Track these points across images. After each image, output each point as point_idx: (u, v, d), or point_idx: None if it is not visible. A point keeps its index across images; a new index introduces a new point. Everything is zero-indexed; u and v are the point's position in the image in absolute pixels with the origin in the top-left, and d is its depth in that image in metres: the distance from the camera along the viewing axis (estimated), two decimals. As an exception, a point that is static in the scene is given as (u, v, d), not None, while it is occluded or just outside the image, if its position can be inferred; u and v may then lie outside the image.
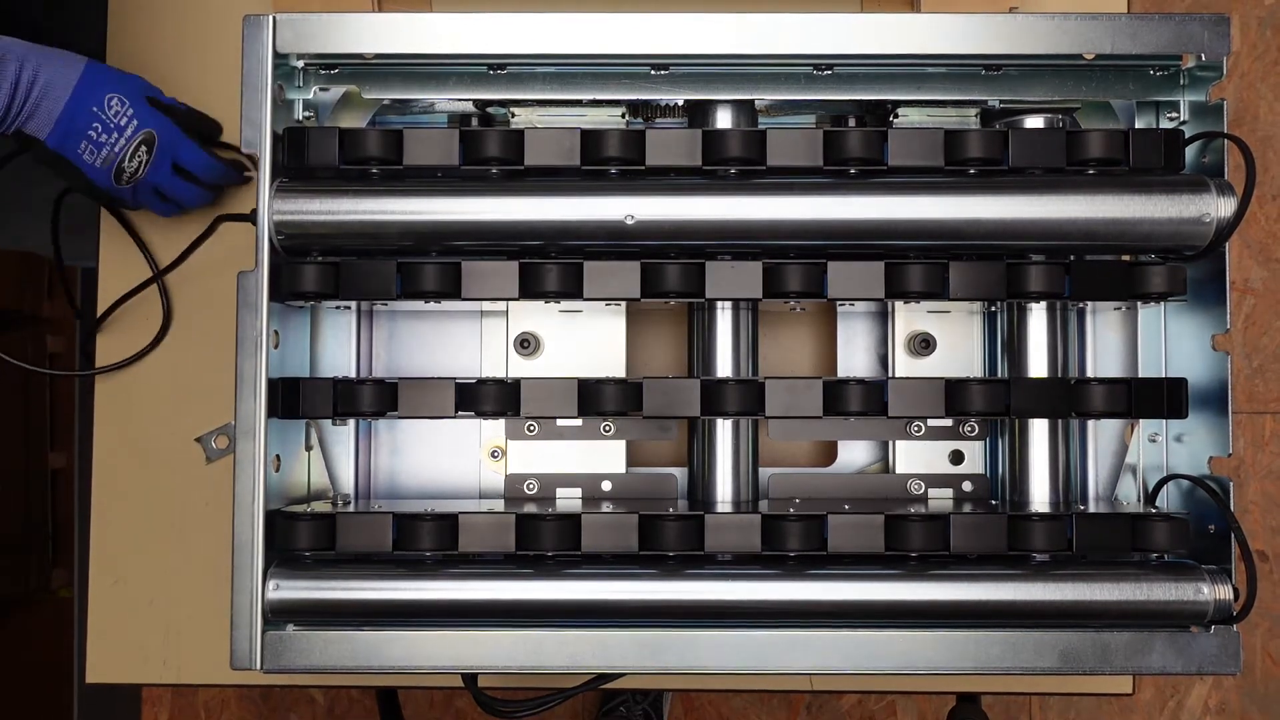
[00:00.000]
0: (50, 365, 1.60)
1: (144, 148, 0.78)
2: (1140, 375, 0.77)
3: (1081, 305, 0.77)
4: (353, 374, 0.78)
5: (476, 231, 0.70)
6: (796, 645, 0.67)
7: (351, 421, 0.78)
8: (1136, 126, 0.75)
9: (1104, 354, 0.78)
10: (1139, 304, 0.77)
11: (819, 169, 0.69)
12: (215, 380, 0.83)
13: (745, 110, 0.74)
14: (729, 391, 0.70)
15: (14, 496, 1.63)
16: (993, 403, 0.70)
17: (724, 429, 0.75)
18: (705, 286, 0.69)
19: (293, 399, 0.70)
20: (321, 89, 0.74)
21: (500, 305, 0.79)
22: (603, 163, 0.69)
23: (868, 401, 0.70)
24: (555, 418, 0.77)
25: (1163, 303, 0.75)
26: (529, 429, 0.79)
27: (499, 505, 0.76)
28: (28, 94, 0.75)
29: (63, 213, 0.86)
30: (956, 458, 0.79)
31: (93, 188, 0.80)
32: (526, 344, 0.79)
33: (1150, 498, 0.75)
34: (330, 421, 0.77)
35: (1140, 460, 0.77)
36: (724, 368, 0.74)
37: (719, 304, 0.74)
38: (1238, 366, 1.72)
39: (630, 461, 0.80)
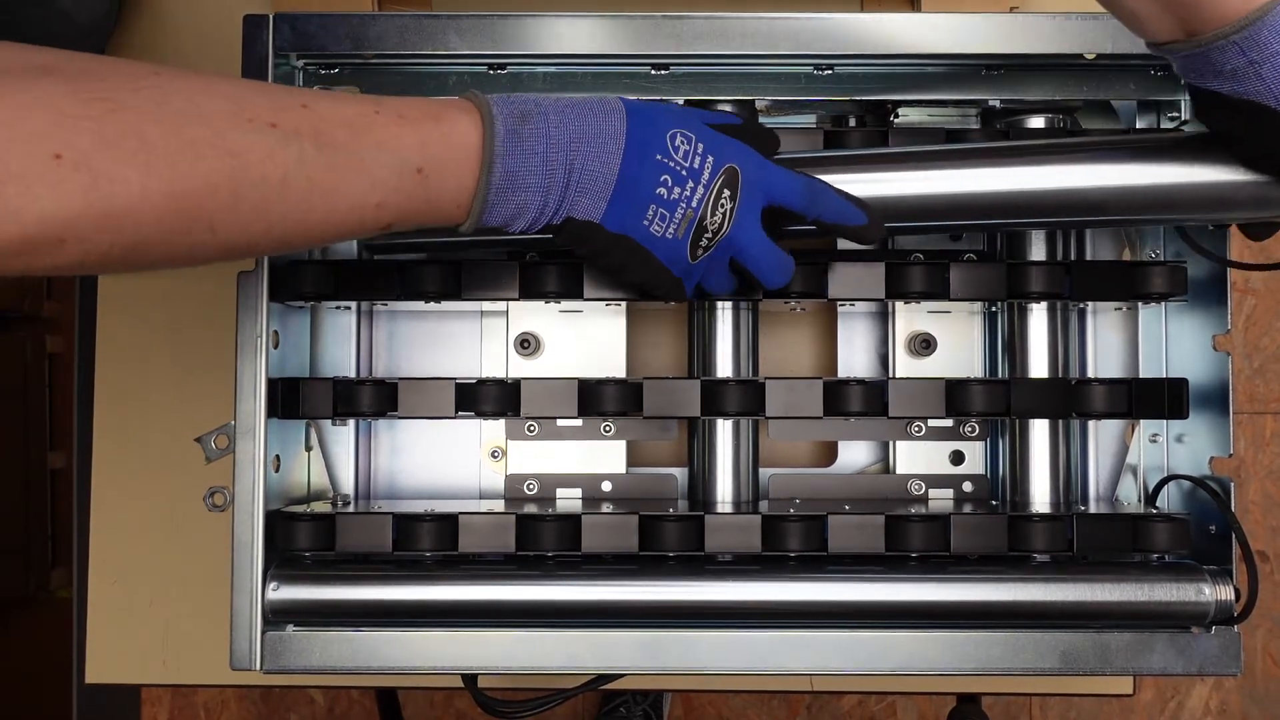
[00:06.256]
0: (50, 365, 1.60)
1: (726, 192, 0.59)
2: (1141, 375, 0.77)
3: (1082, 305, 0.77)
4: (353, 374, 0.78)
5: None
6: (796, 645, 0.67)
7: (351, 421, 0.78)
8: (1138, 126, 0.75)
9: (1104, 354, 0.78)
10: (1139, 304, 0.77)
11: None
12: (215, 380, 0.83)
13: (746, 110, 0.74)
14: (729, 391, 0.70)
15: (14, 496, 1.63)
16: (993, 403, 0.70)
17: (724, 429, 0.75)
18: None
19: (293, 399, 0.70)
20: (321, 89, 0.74)
21: (500, 305, 0.79)
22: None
23: (868, 401, 0.70)
24: (555, 418, 0.77)
25: (1163, 303, 0.75)
26: (529, 429, 0.79)
27: (499, 505, 0.76)
28: (568, 165, 0.57)
29: None
30: (957, 458, 0.79)
31: (664, 276, 0.61)
32: (526, 344, 0.79)
33: (1151, 498, 0.75)
34: (330, 421, 0.77)
35: (1141, 460, 0.77)
36: (724, 368, 0.74)
37: (719, 304, 0.74)
38: (1238, 366, 1.72)
39: (630, 461, 0.80)
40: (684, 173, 0.58)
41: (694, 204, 0.59)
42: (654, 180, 0.58)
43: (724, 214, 0.59)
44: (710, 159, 0.59)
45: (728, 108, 0.73)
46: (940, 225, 0.70)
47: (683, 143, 0.59)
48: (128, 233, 0.49)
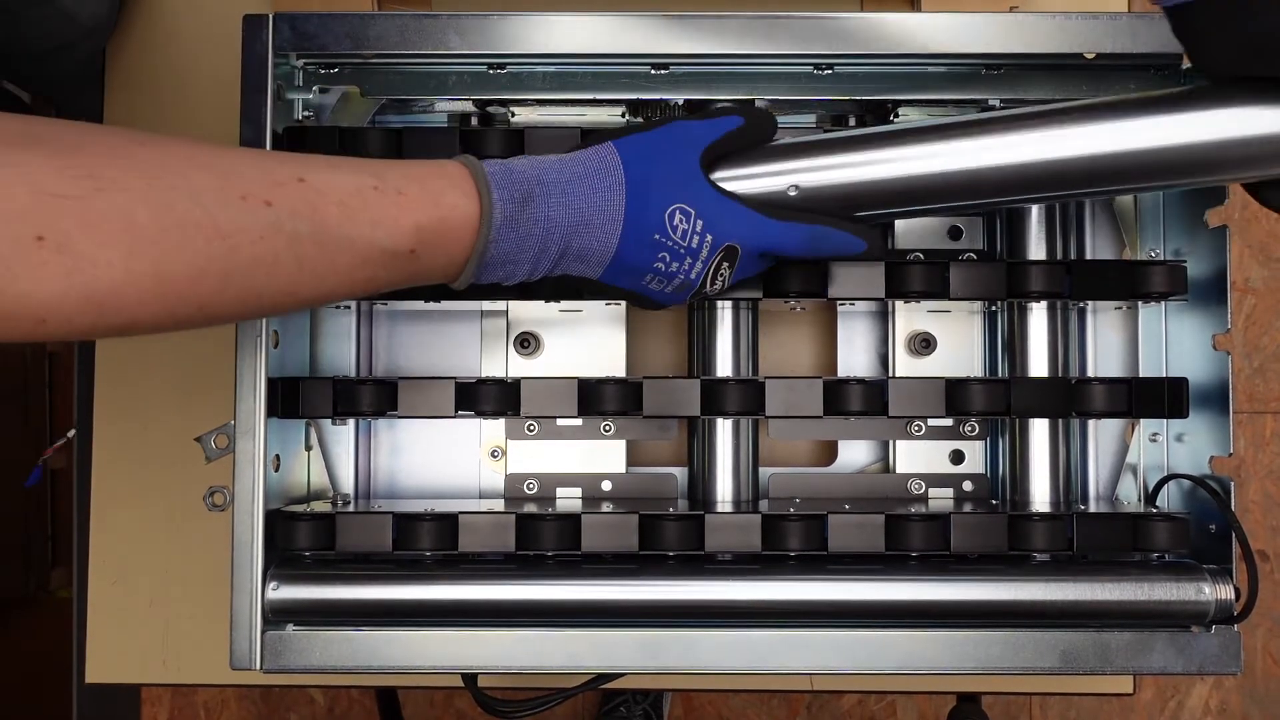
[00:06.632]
0: (49, 365, 1.60)
1: (725, 265, 0.61)
2: (1141, 375, 0.77)
3: (1082, 305, 0.77)
4: (353, 374, 0.78)
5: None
6: (796, 645, 0.67)
7: (351, 421, 0.78)
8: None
9: (1104, 354, 0.78)
10: (1139, 303, 0.77)
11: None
12: (215, 380, 0.83)
13: (742, 104, 0.74)
14: (729, 391, 0.70)
15: (14, 496, 1.64)
16: (993, 403, 0.70)
17: (724, 429, 0.75)
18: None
19: (292, 399, 0.70)
20: (321, 89, 0.74)
21: (500, 305, 0.79)
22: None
23: (868, 401, 0.70)
24: (555, 417, 0.77)
25: (1163, 302, 0.75)
26: (529, 429, 0.79)
27: (499, 505, 0.76)
28: (563, 247, 0.58)
29: None
30: (957, 457, 0.79)
31: (661, 306, 0.65)
32: (526, 344, 0.79)
33: (1151, 497, 0.75)
34: (330, 421, 0.77)
35: (1141, 460, 0.77)
36: (724, 367, 0.74)
37: (719, 304, 0.74)
38: (1238, 366, 1.72)
39: (630, 461, 0.80)
40: (682, 251, 0.59)
41: (691, 276, 0.61)
42: (651, 257, 0.59)
43: (724, 279, 0.62)
44: (709, 238, 0.59)
45: (726, 102, 0.73)
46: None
47: (681, 221, 0.59)
48: (110, 314, 0.48)
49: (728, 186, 0.62)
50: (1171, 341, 0.76)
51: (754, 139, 0.63)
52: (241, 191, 0.51)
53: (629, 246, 0.59)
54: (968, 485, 0.79)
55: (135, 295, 0.48)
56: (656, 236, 0.59)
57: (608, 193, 0.58)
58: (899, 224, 0.78)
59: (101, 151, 0.48)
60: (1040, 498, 0.74)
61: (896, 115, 0.75)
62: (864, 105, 0.75)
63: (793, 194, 0.63)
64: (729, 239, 0.60)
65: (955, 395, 0.70)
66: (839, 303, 0.80)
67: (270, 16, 0.69)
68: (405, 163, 0.58)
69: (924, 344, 0.79)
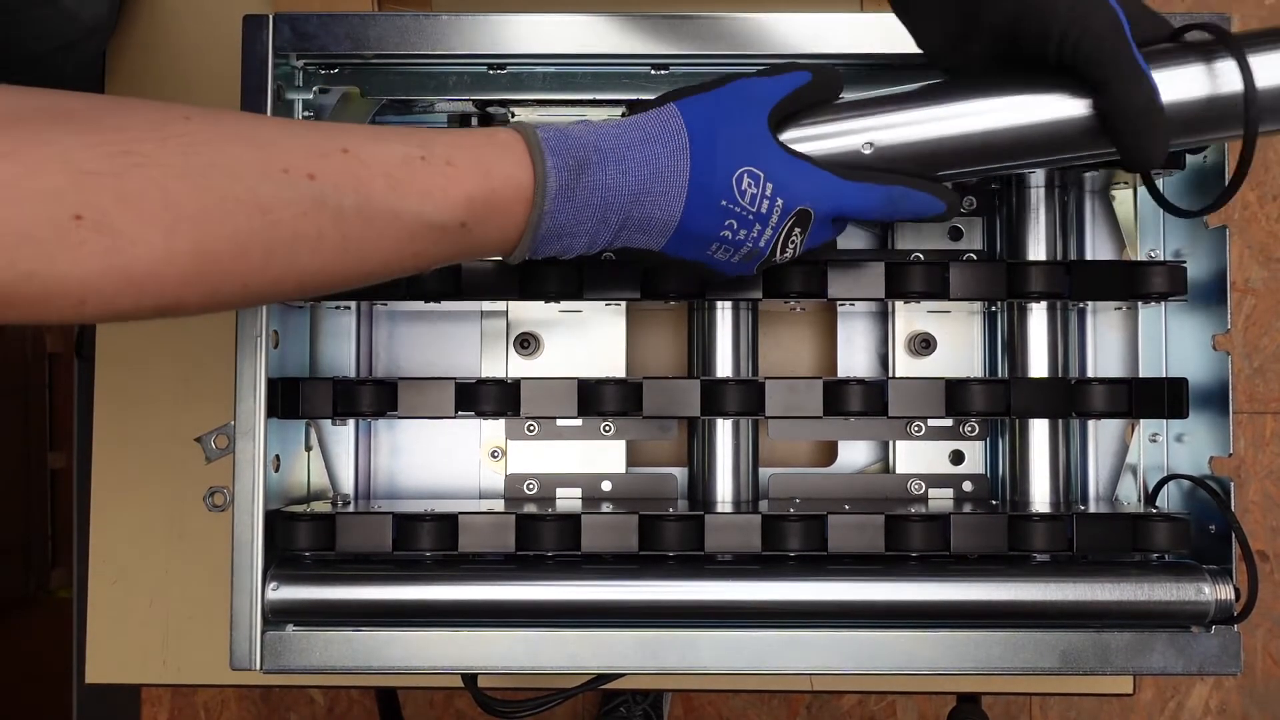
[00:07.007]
0: (50, 365, 1.60)
1: (797, 230, 0.57)
2: (1141, 375, 0.77)
3: (1082, 305, 0.77)
4: (353, 374, 0.78)
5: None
6: (796, 645, 0.67)
7: (351, 421, 0.78)
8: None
9: (1104, 354, 0.78)
10: (1139, 304, 0.77)
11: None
12: (215, 380, 0.83)
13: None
14: (729, 391, 0.70)
15: (14, 496, 1.64)
16: (993, 403, 0.70)
17: (724, 429, 0.75)
18: (705, 286, 0.69)
19: (292, 399, 0.70)
20: (321, 90, 0.74)
21: (500, 305, 0.79)
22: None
23: (868, 401, 0.70)
24: (555, 418, 0.77)
25: (1163, 302, 0.75)
26: (529, 429, 0.79)
27: (499, 505, 0.76)
28: (624, 217, 0.55)
29: None
30: (957, 458, 0.79)
31: (729, 278, 0.61)
32: (526, 344, 0.79)
33: (1151, 498, 0.75)
34: (330, 421, 0.77)
35: (1141, 460, 0.77)
36: (724, 368, 0.74)
37: (719, 304, 0.74)
38: (1238, 366, 1.72)
39: (630, 461, 0.80)
40: (751, 217, 0.56)
41: (761, 244, 0.57)
42: (718, 225, 0.56)
43: (794, 246, 0.58)
44: (780, 202, 0.56)
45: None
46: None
47: (750, 185, 0.55)
48: (151, 295, 0.46)
49: (798, 147, 0.58)
50: (1171, 342, 0.76)
51: (822, 96, 0.59)
52: (283, 164, 0.48)
53: (694, 214, 0.55)
54: (968, 486, 0.79)
55: (177, 274, 0.46)
56: (724, 203, 0.55)
57: (670, 158, 0.55)
58: (898, 223, 0.78)
59: (137, 125, 0.46)
60: (1040, 498, 0.74)
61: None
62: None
63: (867, 152, 0.59)
64: (801, 202, 0.56)
65: (955, 395, 0.70)
66: (839, 303, 0.80)
67: (270, 17, 0.69)
68: (454, 131, 0.55)
69: (924, 344, 0.79)
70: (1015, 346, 0.74)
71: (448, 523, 0.68)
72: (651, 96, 0.72)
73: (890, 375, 0.79)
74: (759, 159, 0.56)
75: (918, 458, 0.79)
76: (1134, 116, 0.56)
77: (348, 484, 0.78)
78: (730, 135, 0.56)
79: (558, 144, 0.54)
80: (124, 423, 0.85)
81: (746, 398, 0.70)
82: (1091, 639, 0.67)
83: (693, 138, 0.55)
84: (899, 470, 0.79)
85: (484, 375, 0.79)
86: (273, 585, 0.67)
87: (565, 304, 0.79)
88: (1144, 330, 0.77)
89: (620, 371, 0.79)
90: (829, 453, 0.82)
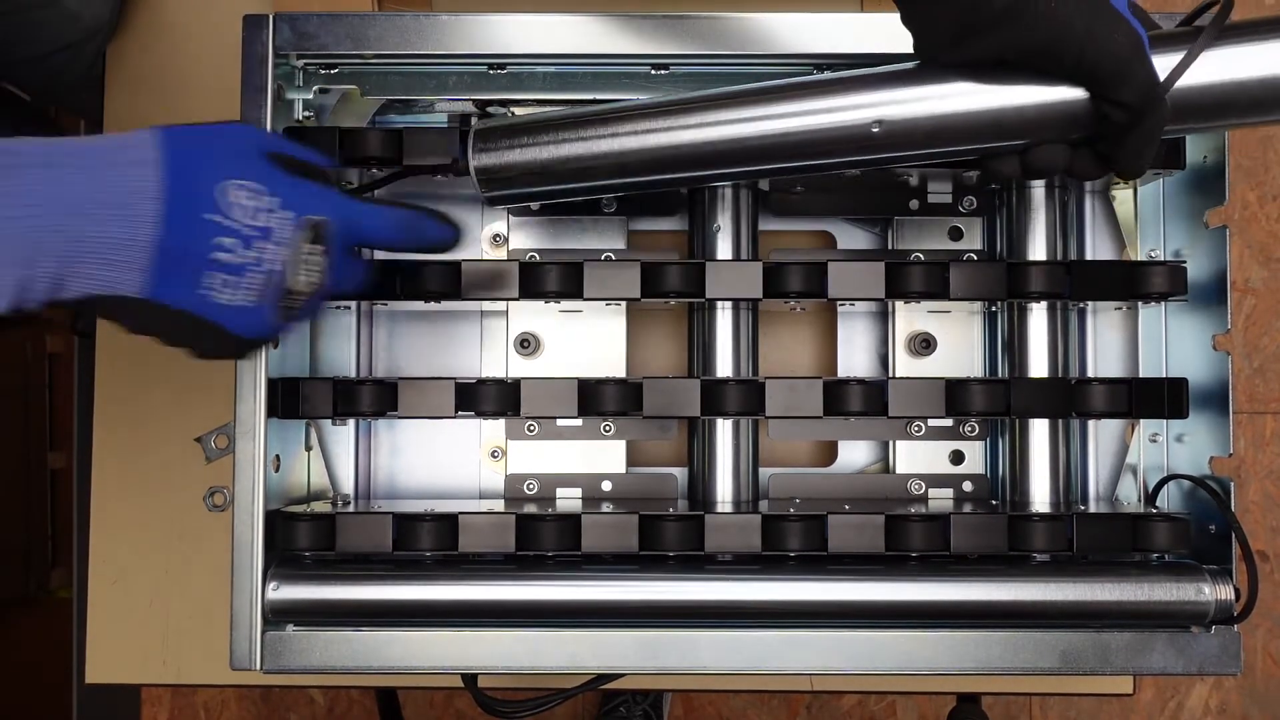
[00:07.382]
0: (50, 365, 1.60)
1: (318, 248, 0.51)
2: (1141, 375, 0.77)
3: (1082, 305, 0.77)
4: (353, 374, 0.78)
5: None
6: (796, 645, 0.67)
7: (351, 421, 0.78)
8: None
9: (1104, 354, 0.78)
10: (1139, 304, 0.77)
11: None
12: (215, 380, 0.83)
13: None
14: (729, 391, 0.70)
15: (14, 496, 1.63)
16: (993, 403, 0.70)
17: (724, 429, 0.75)
18: (705, 286, 0.69)
19: (292, 399, 0.70)
20: (321, 89, 0.74)
21: (500, 305, 0.79)
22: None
23: (868, 401, 0.70)
24: (555, 418, 0.77)
25: (1163, 303, 0.75)
26: (529, 429, 0.79)
27: (499, 505, 0.76)
28: (67, 236, 0.44)
29: None
30: (957, 458, 0.79)
31: (243, 345, 0.53)
32: (526, 344, 0.79)
33: (1151, 498, 0.75)
34: (330, 421, 0.77)
35: (1141, 460, 0.77)
36: (724, 368, 0.74)
37: (719, 304, 0.74)
38: (1238, 366, 1.72)
39: (630, 461, 0.80)
40: (250, 231, 0.48)
41: (276, 265, 0.50)
42: (207, 245, 0.47)
43: (318, 272, 0.52)
44: (288, 214, 0.50)
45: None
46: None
47: (247, 198, 0.48)
48: None
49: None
50: (1171, 342, 0.76)
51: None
52: None
53: (176, 229, 0.46)
54: (968, 486, 0.79)
55: None
56: (212, 216, 0.47)
57: (131, 166, 0.47)
58: (898, 224, 0.78)
59: None
60: (1040, 498, 0.74)
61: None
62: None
63: (876, 130, 0.59)
64: (310, 212, 0.51)
65: (955, 395, 0.70)
66: (839, 303, 0.80)
67: (270, 17, 0.69)
68: None
69: (924, 344, 0.79)
70: (1015, 346, 0.74)
71: (448, 523, 0.68)
72: (652, 96, 0.73)
73: (890, 375, 0.79)
74: (252, 172, 0.50)
75: (918, 458, 0.79)
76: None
77: (348, 484, 0.78)
78: (219, 149, 0.50)
79: None
80: (124, 423, 0.85)
81: (746, 398, 0.70)
82: (1091, 639, 0.67)
83: (166, 148, 0.48)
84: (899, 470, 0.79)
85: (484, 375, 0.79)
86: (273, 585, 0.67)
87: (565, 304, 0.79)
88: (1144, 330, 0.77)
89: (620, 371, 0.79)
90: (829, 453, 0.82)
